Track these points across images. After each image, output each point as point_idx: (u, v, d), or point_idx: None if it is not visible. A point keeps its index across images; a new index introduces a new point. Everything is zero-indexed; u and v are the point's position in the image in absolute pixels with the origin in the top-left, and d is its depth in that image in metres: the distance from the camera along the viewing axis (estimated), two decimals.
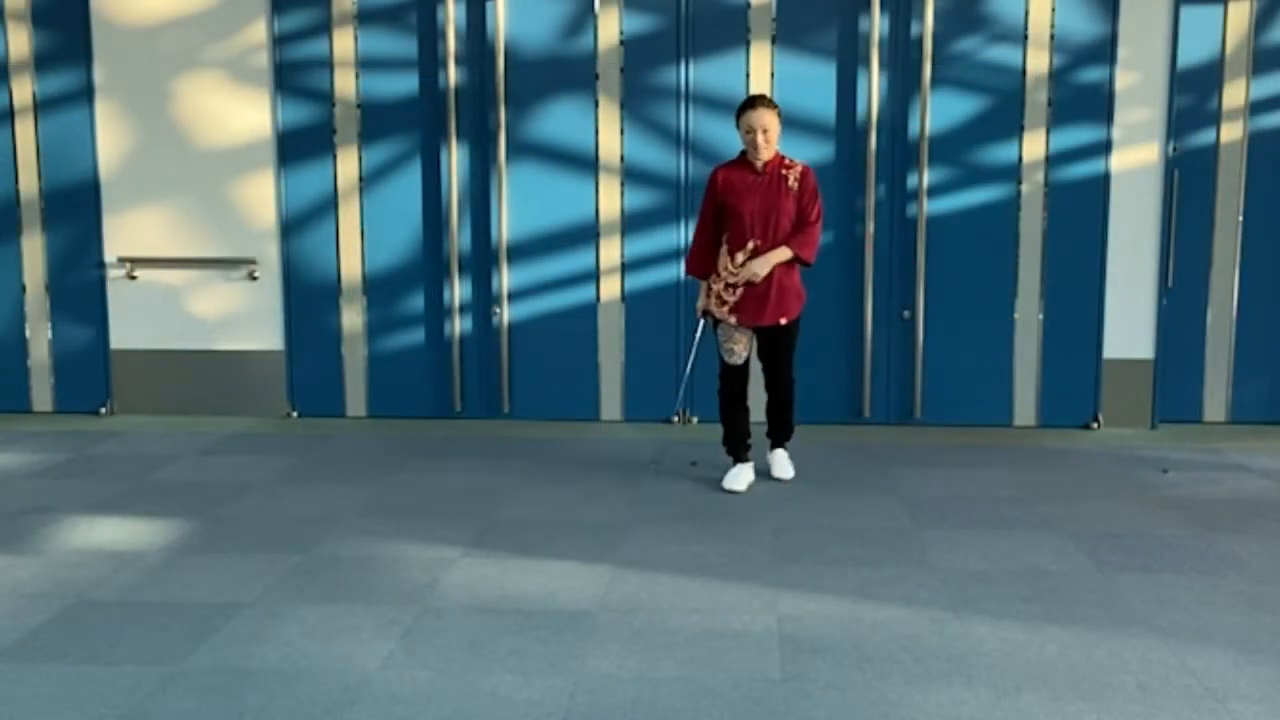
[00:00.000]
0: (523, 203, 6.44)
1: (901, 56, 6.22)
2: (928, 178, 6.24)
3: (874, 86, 6.17)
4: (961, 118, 6.26)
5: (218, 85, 6.47)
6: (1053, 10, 6.16)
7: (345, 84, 6.45)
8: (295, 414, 6.67)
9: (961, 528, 4.54)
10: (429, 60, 6.40)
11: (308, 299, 6.60)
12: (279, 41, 6.46)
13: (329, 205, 6.54)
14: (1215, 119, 6.26)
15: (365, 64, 6.43)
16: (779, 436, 5.28)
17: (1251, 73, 6.22)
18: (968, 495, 5.02)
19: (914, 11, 6.18)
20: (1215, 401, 6.46)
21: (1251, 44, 6.22)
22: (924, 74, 6.15)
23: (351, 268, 6.56)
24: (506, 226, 6.44)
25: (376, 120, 6.46)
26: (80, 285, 6.66)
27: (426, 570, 4.04)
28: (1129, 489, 5.14)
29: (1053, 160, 6.24)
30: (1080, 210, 6.26)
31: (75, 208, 6.60)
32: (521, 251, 6.48)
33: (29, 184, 6.63)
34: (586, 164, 6.39)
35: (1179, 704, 3.02)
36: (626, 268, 6.45)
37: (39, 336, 6.72)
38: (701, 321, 5.15)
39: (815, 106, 6.27)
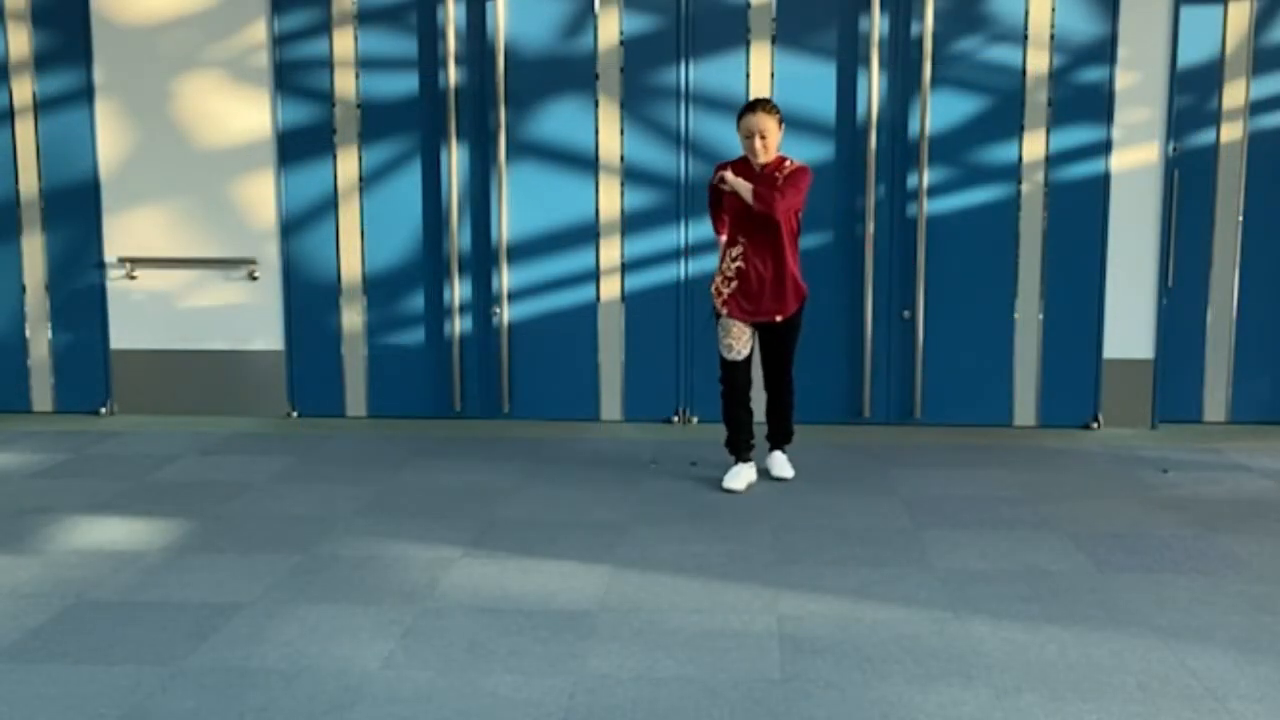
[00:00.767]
0: (523, 203, 6.44)
1: (901, 56, 6.22)
2: (928, 178, 6.24)
3: (874, 86, 6.17)
4: (961, 118, 6.26)
5: (218, 85, 6.47)
6: (1053, 10, 6.16)
7: (345, 84, 6.45)
8: (295, 414, 6.67)
9: (961, 528, 4.54)
10: (429, 60, 6.40)
11: (308, 299, 6.60)
12: (279, 41, 6.46)
13: (329, 205, 6.54)
14: (1215, 119, 6.27)
15: (365, 64, 6.43)
16: (778, 439, 5.29)
17: (1251, 73, 6.22)
18: (968, 495, 5.02)
19: (914, 11, 6.18)
20: (1215, 401, 6.46)
21: (1251, 44, 6.22)
22: (924, 74, 6.15)
23: (351, 268, 6.56)
24: (506, 226, 6.44)
25: (376, 120, 6.46)
26: (80, 285, 6.66)
27: (426, 570, 4.04)
28: (1129, 489, 5.14)
29: (1053, 160, 6.24)
30: (1080, 210, 6.26)
31: (75, 208, 6.60)
32: (521, 251, 6.48)
33: (29, 184, 6.63)
34: (586, 164, 6.39)
35: (1179, 704, 3.02)
36: (626, 268, 6.45)
37: (39, 336, 6.72)
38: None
39: (815, 106, 6.27)
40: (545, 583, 3.93)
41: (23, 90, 6.56)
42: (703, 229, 6.35)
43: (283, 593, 3.83)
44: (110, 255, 6.60)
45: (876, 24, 6.14)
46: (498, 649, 3.38)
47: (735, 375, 5.06)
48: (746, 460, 5.14)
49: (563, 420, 6.52)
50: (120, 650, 3.37)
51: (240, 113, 6.48)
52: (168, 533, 4.48)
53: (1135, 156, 6.21)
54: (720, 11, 6.26)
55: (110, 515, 4.71)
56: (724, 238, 5.09)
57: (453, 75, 6.33)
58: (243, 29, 6.42)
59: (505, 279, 6.47)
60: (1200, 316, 6.41)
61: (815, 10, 6.24)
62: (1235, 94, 6.24)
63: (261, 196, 6.52)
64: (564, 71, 6.35)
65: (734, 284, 4.96)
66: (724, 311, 4.98)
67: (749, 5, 6.26)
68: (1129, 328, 6.31)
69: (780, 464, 5.27)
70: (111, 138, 6.53)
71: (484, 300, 6.52)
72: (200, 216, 6.55)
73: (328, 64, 6.45)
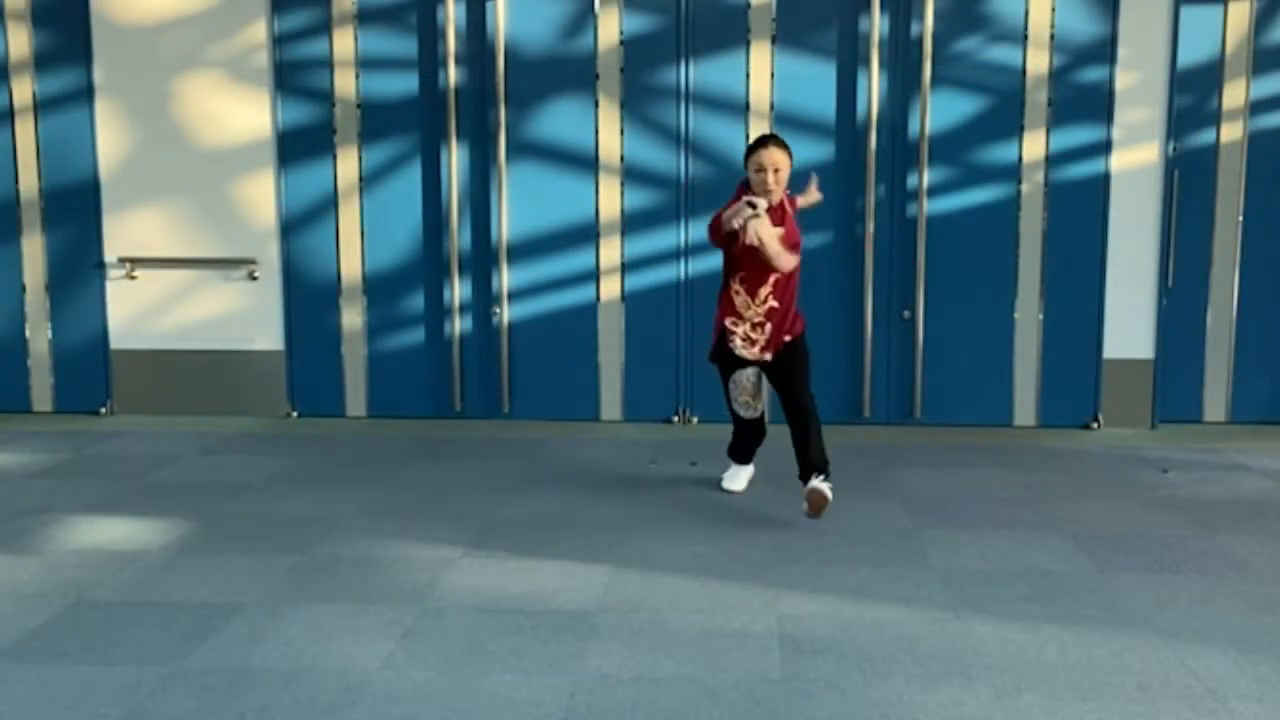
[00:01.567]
0: (523, 203, 6.44)
1: (901, 56, 6.22)
2: (928, 178, 6.24)
3: (874, 86, 6.17)
4: (961, 118, 6.25)
5: (218, 85, 6.47)
6: (1053, 10, 6.16)
7: (345, 84, 6.45)
8: (295, 414, 6.67)
9: (961, 528, 4.54)
10: (429, 60, 6.40)
11: (308, 299, 6.60)
12: (279, 41, 6.46)
13: (329, 205, 6.54)
14: (1215, 119, 6.27)
15: (365, 64, 6.43)
16: (811, 468, 4.58)
17: (1251, 73, 6.22)
18: (968, 495, 5.02)
19: (914, 11, 6.18)
20: (1215, 401, 6.46)
21: (1251, 44, 6.22)
22: (924, 74, 6.15)
23: (351, 268, 6.56)
24: (506, 226, 6.44)
25: (376, 120, 6.46)
26: (80, 285, 6.66)
27: (426, 570, 4.04)
28: (1129, 489, 5.14)
29: (1053, 160, 6.24)
30: (1080, 210, 6.26)
31: (75, 208, 6.60)
32: (521, 251, 6.48)
33: (29, 184, 6.63)
34: (586, 164, 6.39)
35: (1179, 704, 3.02)
36: (626, 268, 6.45)
37: (39, 336, 6.72)
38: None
39: (815, 106, 6.27)
40: (545, 583, 3.93)
41: (23, 90, 6.56)
42: (703, 229, 6.34)
43: (283, 593, 3.83)
44: (110, 255, 6.60)
45: (876, 24, 6.14)
46: (498, 649, 3.37)
47: (749, 430, 4.97)
48: (746, 463, 5.13)
49: (563, 420, 6.52)
50: (120, 650, 3.37)
51: (240, 113, 6.48)
52: (168, 533, 4.48)
53: (1135, 156, 6.21)
54: (720, 11, 6.26)
55: (110, 515, 4.71)
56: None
57: (453, 75, 6.33)
58: (243, 29, 6.42)
59: (505, 279, 6.47)
60: (1200, 316, 6.41)
61: (815, 10, 6.24)
62: (1235, 94, 6.24)
63: (261, 196, 6.52)
64: (564, 71, 6.35)
65: (745, 324, 4.67)
66: (749, 354, 4.70)
67: (749, 5, 6.26)
68: (1129, 328, 6.31)
69: (819, 486, 4.57)
70: (111, 138, 6.53)
71: (484, 300, 6.52)
72: (200, 216, 6.55)
73: (328, 64, 6.45)
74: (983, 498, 4.98)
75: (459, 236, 6.45)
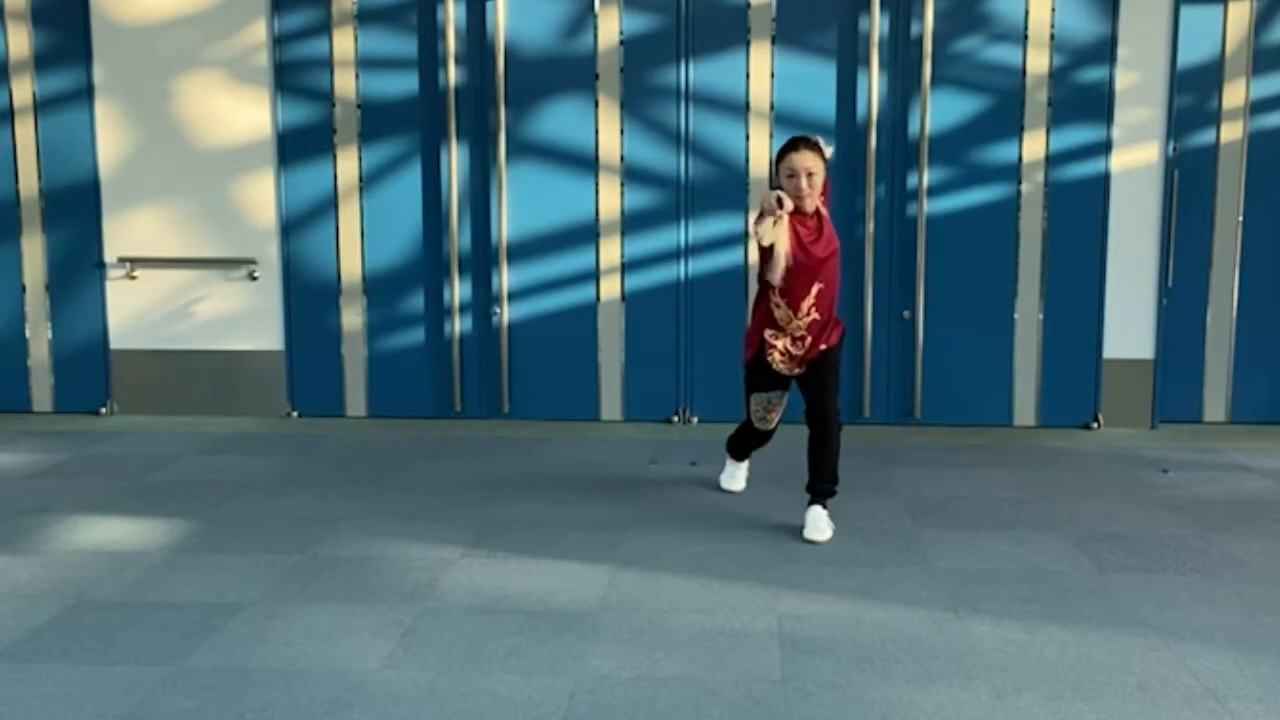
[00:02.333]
0: (523, 203, 6.44)
1: (901, 56, 6.22)
2: (928, 178, 6.23)
3: (874, 86, 6.17)
4: (961, 118, 6.25)
5: (218, 85, 6.47)
6: (1053, 10, 6.16)
7: (345, 84, 6.45)
8: (295, 414, 6.67)
9: (961, 528, 4.54)
10: (429, 60, 6.40)
11: (308, 299, 6.60)
12: (279, 41, 6.46)
13: (329, 205, 6.54)
14: (1215, 119, 6.26)
15: (365, 64, 6.43)
16: (819, 488, 4.49)
17: (1251, 73, 6.22)
18: (968, 495, 5.02)
19: (914, 11, 6.18)
20: (1215, 401, 6.46)
21: (1251, 44, 6.22)
22: (924, 74, 6.15)
23: (351, 268, 6.56)
24: (506, 226, 6.44)
25: (376, 120, 6.46)
26: (80, 285, 6.66)
27: (426, 570, 4.04)
28: (1129, 489, 5.14)
29: (1053, 160, 6.24)
30: (1080, 210, 6.26)
31: (75, 208, 6.60)
32: (521, 251, 6.48)
33: (29, 184, 6.62)
34: (586, 164, 6.39)
35: (1179, 704, 3.02)
36: (626, 268, 6.44)
37: (39, 336, 6.72)
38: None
39: (815, 106, 6.27)
40: (545, 583, 3.93)
41: (23, 90, 6.56)
42: (703, 229, 6.36)
43: (283, 593, 3.83)
44: (110, 255, 6.60)
45: (876, 24, 6.14)
46: (498, 649, 3.38)
47: (760, 433, 4.81)
48: (743, 461, 5.08)
49: (563, 420, 6.52)
50: (120, 650, 3.37)
51: (240, 113, 6.48)
52: (168, 533, 4.48)
53: (1135, 156, 6.21)
54: (720, 11, 6.26)
55: (110, 515, 4.71)
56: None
57: (453, 75, 6.33)
58: (243, 29, 6.42)
59: (505, 279, 6.47)
60: (1200, 316, 6.40)
61: (815, 10, 6.24)
62: (1235, 94, 6.24)
63: (261, 196, 6.52)
64: (564, 71, 6.35)
65: (785, 338, 4.42)
66: (795, 371, 4.47)
67: (749, 5, 6.26)
68: (1129, 328, 6.31)
69: (817, 523, 4.43)
70: (111, 138, 6.53)
71: (484, 300, 6.52)
72: (200, 216, 6.55)
73: (328, 64, 6.45)
74: (983, 498, 4.98)
75: (459, 236, 6.45)
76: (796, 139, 4.30)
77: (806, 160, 4.22)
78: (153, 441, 6.06)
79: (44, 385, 6.75)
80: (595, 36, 6.32)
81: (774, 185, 4.32)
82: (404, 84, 6.42)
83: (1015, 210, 6.29)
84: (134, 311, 6.63)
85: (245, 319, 6.60)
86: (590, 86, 6.35)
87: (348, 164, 6.49)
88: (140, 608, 3.71)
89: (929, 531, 4.49)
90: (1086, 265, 6.28)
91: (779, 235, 4.17)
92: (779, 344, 4.43)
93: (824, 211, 4.39)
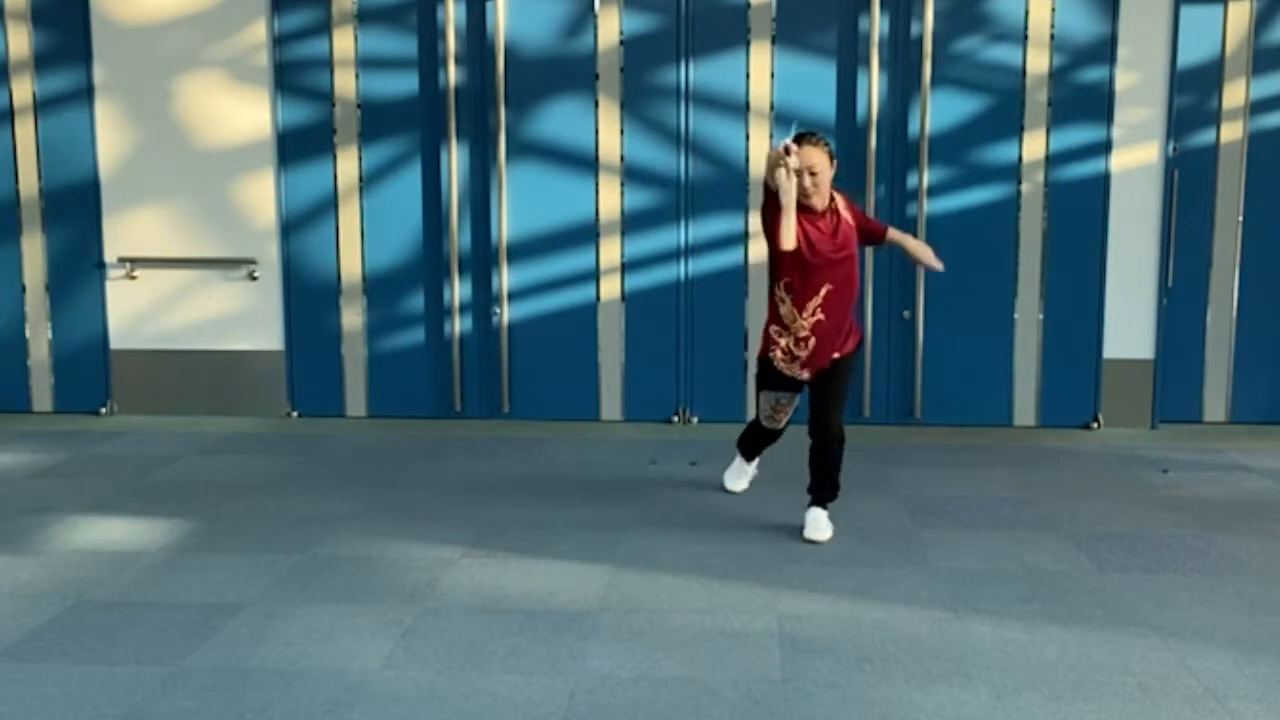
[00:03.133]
0: (523, 203, 6.44)
1: (901, 56, 6.22)
2: (928, 178, 6.24)
3: (874, 86, 6.17)
4: (961, 118, 6.25)
5: (218, 85, 6.47)
6: (1053, 10, 6.16)
7: (345, 84, 6.45)
8: (295, 414, 6.67)
9: (961, 528, 4.54)
10: (429, 60, 6.40)
11: (308, 299, 6.60)
12: (279, 41, 6.46)
13: (329, 205, 6.54)
14: (1215, 119, 6.26)
15: (365, 64, 6.43)
16: (819, 495, 4.46)
17: (1251, 73, 6.22)
18: (968, 495, 5.02)
19: (914, 11, 6.18)
20: (1215, 401, 6.46)
21: (1251, 44, 6.22)
22: (924, 74, 6.15)
23: (351, 268, 6.56)
24: (506, 226, 6.44)
25: (376, 120, 6.46)
26: (80, 285, 6.66)
27: (426, 570, 4.04)
28: (1129, 489, 5.14)
29: (1053, 160, 6.24)
30: (1080, 210, 6.26)
31: (75, 208, 6.60)
32: (521, 251, 6.48)
33: (29, 184, 6.62)
34: (586, 164, 6.39)
35: (1179, 704, 3.02)
36: (626, 268, 6.44)
37: (39, 336, 6.72)
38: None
39: (815, 106, 6.27)
40: (545, 583, 3.93)
41: (23, 90, 6.56)
42: (703, 229, 6.36)
43: (283, 593, 3.83)
44: (110, 255, 6.60)
45: (876, 24, 6.14)
46: (498, 649, 3.38)
47: (769, 432, 4.73)
48: (750, 461, 5.02)
49: (563, 420, 6.52)
50: (120, 650, 3.37)
51: (240, 113, 6.47)
52: (168, 533, 4.48)
53: (1135, 156, 6.21)
54: (720, 11, 6.26)
55: (110, 515, 4.71)
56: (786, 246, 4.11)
57: (453, 75, 6.33)
58: (243, 29, 6.42)
59: (505, 279, 6.47)
60: (1200, 316, 6.40)
61: (815, 10, 6.24)
62: (1235, 94, 6.24)
63: (261, 196, 6.52)
64: (564, 71, 6.35)
65: (788, 336, 4.31)
66: (804, 375, 4.36)
67: (749, 5, 6.25)
68: (1129, 328, 6.31)
69: (817, 523, 4.42)
70: (111, 138, 6.53)
71: (484, 300, 6.52)
72: (200, 216, 6.55)
73: (328, 64, 6.44)
74: (983, 498, 4.98)
75: (459, 236, 6.45)
76: (800, 135, 4.17)
77: (810, 157, 4.10)
78: (153, 441, 6.06)
79: (44, 385, 6.75)
80: (595, 36, 6.32)
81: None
82: (404, 84, 6.42)
83: (1015, 210, 6.29)
84: (134, 311, 6.63)
85: (245, 319, 6.60)
86: (590, 86, 6.35)
87: (348, 164, 6.49)
88: (140, 608, 3.71)
89: (929, 531, 4.49)
90: (1086, 265, 6.28)
91: (789, 188, 4.00)
92: (781, 342, 4.35)
93: (845, 215, 4.27)
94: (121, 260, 6.59)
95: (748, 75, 6.29)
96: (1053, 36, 6.17)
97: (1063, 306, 6.32)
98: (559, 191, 6.41)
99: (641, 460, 5.65)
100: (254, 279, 6.56)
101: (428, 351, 6.59)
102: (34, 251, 6.66)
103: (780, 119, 6.26)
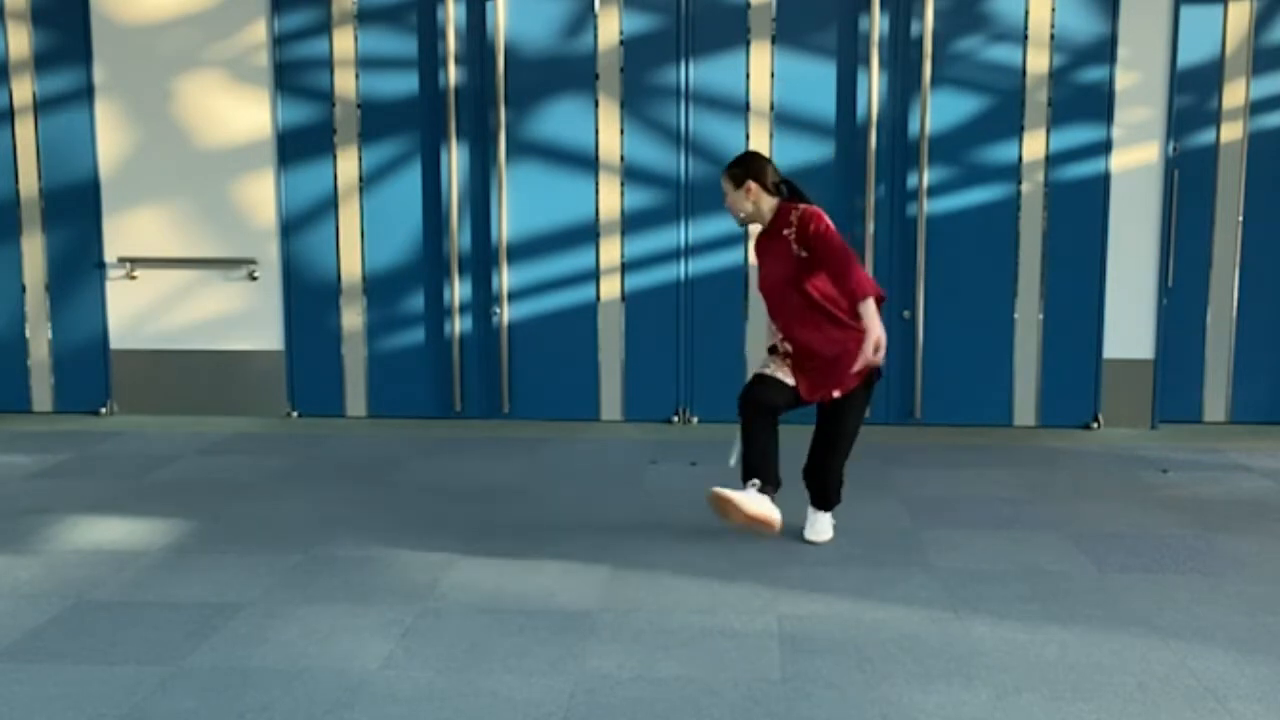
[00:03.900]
0: (523, 203, 6.44)
1: (901, 56, 6.22)
2: (928, 178, 6.24)
3: (874, 86, 6.17)
4: (961, 118, 6.25)
5: (218, 85, 6.47)
6: (1053, 10, 6.16)
7: (345, 84, 6.45)
8: (295, 414, 6.67)
9: (961, 528, 4.54)
10: (429, 60, 6.40)
11: (308, 299, 6.60)
12: (279, 41, 6.46)
13: (329, 205, 6.54)
14: (1215, 119, 6.27)
15: (365, 64, 6.43)
16: (819, 502, 4.39)
17: (1251, 73, 6.23)
18: (968, 495, 5.02)
19: (914, 11, 6.18)
20: (1215, 401, 6.46)
21: (1251, 44, 6.22)
22: (924, 74, 6.15)
23: (351, 268, 6.56)
24: (506, 226, 6.44)
25: (376, 120, 6.46)
26: (80, 285, 6.66)
27: (426, 570, 4.04)
28: (1129, 489, 5.14)
29: (1053, 160, 6.24)
30: (1080, 210, 6.26)
31: (75, 208, 6.60)
32: (521, 251, 6.48)
33: (29, 184, 6.62)
34: (586, 164, 6.39)
35: (1179, 704, 3.02)
36: (626, 268, 6.45)
37: (39, 336, 6.72)
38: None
39: (815, 106, 6.27)
40: (545, 583, 3.92)
41: (23, 90, 6.56)
42: (703, 229, 6.36)
43: (283, 593, 3.83)
44: (110, 255, 6.60)
45: (876, 24, 6.14)
46: (498, 649, 3.37)
47: (759, 389, 4.09)
48: (768, 483, 4.07)
49: (563, 420, 6.52)
50: (120, 650, 3.37)
51: (240, 113, 6.48)
52: (168, 533, 4.48)
53: (1135, 156, 6.21)
54: (720, 11, 6.26)
55: (110, 515, 4.71)
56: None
57: (453, 75, 6.33)
58: (243, 29, 6.42)
59: (505, 279, 6.47)
60: (1200, 316, 6.41)
61: (815, 10, 6.24)
62: (1235, 94, 6.24)
63: (261, 196, 6.52)
64: (564, 71, 6.35)
65: (779, 337, 4.21)
66: (790, 382, 4.12)
67: (749, 5, 6.26)
68: (1129, 328, 6.31)
69: (817, 524, 4.36)
70: (111, 138, 6.53)
71: (484, 300, 6.52)
72: (200, 216, 6.55)
73: (328, 64, 6.45)
74: (983, 498, 4.98)
75: (459, 236, 6.45)
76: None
77: (723, 187, 4.23)
78: (153, 441, 6.06)
79: (44, 385, 6.75)
80: (595, 36, 6.32)
81: (769, 189, 4.19)
82: (404, 84, 6.43)
83: (1015, 210, 6.29)
84: (134, 311, 6.63)
85: (245, 319, 6.60)
86: (590, 86, 6.35)
87: (348, 164, 6.50)
88: (140, 608, 3.71)
89: (929, 531, 4.49)
90: (1086, 265, 6.28)
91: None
92: (779, 339, 4.20)
93: (799, 224, 4.01)
94: (121, 260, 6.59)
95: (748, 75, 6.29)
96: (1053, 36, 6.17)
97: (1063, 306, 6.32)
98: (559, 191, 6.41)
99: (642, 460, 5.65)
100: (254, 279, 6.56)
101: (428, 351, 6.59)
102: (34, 251, 6.66)
103: (781, 119, 6.26)
